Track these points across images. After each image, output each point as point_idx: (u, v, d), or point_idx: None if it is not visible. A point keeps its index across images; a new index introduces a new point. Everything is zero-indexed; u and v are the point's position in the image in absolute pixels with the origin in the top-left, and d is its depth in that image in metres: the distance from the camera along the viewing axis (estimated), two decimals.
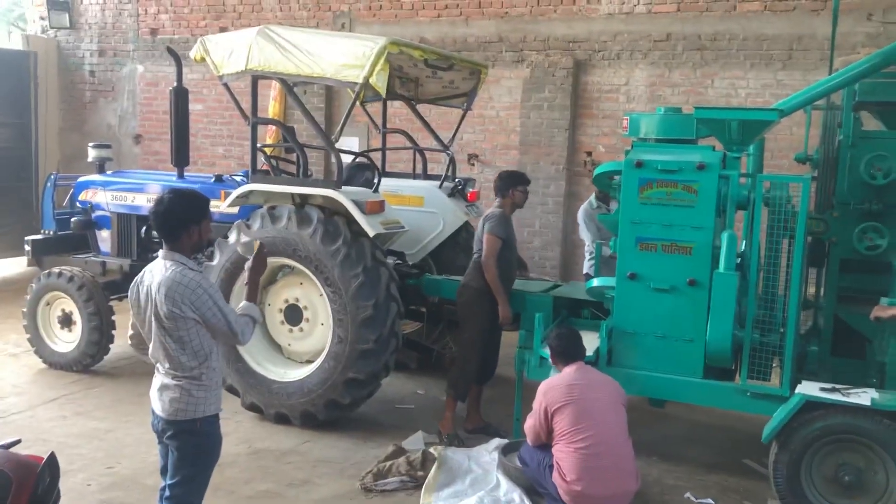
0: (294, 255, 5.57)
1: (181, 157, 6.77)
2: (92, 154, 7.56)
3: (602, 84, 9.33)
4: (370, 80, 5.29)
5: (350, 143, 10.06)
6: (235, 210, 6.28)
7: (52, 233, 7.57)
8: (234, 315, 3.41)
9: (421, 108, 7.45)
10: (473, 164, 9.91)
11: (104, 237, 7.31)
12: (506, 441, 5.16)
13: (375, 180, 6.14)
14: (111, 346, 6.91)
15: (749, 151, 5.44)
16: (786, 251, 4.81)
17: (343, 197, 5.52)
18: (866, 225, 4.93)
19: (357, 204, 5.51)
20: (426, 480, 4.78)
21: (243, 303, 3.60)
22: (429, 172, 7.43)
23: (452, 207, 6.81)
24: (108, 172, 7.58)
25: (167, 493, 3.44)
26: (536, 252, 9.72)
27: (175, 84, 6.68)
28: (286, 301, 5.86)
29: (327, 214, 5.56)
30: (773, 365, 4.82)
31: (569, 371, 4.46)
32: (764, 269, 4.91)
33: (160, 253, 3.45)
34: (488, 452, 5.13)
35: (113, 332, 6.85)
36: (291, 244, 5.55)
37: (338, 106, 10.53)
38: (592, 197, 7.43)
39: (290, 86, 6.02)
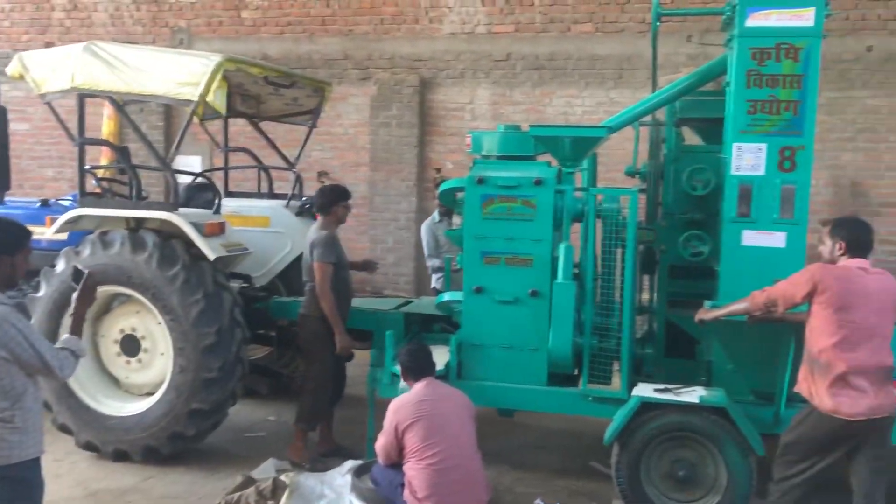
0: (129, 283, 5.28)
1: (1, 180, 6.28)
2: None
3: (447, 102, 9.52)
4: (207, 98, 5.14)
5: (193, 162, 9.70)
6: (65, 236, 5.89)
7: None
8: (51, 350, 3.17)
9: (267, 125, 7.30)
10: (323, 182, 9.79)
11: None
12: (359, 463, 5.10)
13: (216, 201, 5.93)
14: None
15: (583, 166, 5.70)
16: (620, 260, 5.05)
17: (180, 219, 5.30)
18: (690, 233, 5.25)
19: (195, 226, 5.30)
20: None
21: (65, 336, 3.37)
22: (276, 191, 7.28)
23: (300, 227, 6.67)
24: None
25: None
26: (390, 269, 9.73)
27: None
28: (122, 331, 5.55)
29: (164, 238, 5.32)
30: (615, 369, 5.04)
31: (419, 387, 4.46)
32: (600, 278, 5.13)
33: None
34: (341, 475, 5.03)
35: None
36: (125, 271, 5.26)
37: (177, 124, 10.11)
38: (436, 212, 7.52)
39: (120, 104, 5.72)
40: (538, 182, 4.92)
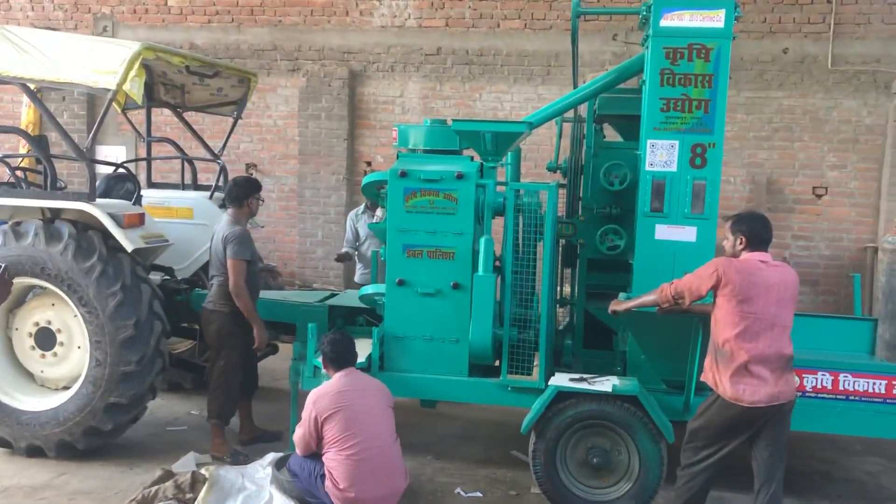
0: (43, 275, 5.15)
1: None
2: None
3: (378, 95, 9.52)
4: (124, 87, 5.04)
5: (117, 152, 9.50)
6: None
7: None
8: None
9: (191, 116, 7.19)
10: (252, 174, 9.70)
11: None
12: (280, 455, 5.09)
13: (136, 192, 5.83)
14: None
15: (507, 161, 5.80)
16: (540, 253, 5.16)
17: (97, 210, 5.19)
18: (607, 227, 5.40)
19: (113, 217, 5.20)
20: (196, 502, 4.60)
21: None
22: (201, 183, 7.18)
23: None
24: None
25: None
26: (320, 262, 9.70)
27: None
28: (36, 324, 5.41)
29: (80, 229, 5.20)
30: (536, 361, 5.14)
31: (338, 377, 4.47)
32: (520, 271, 5.22)
33: None
34: (262, 468, 5.02)
35: None
36: (39, 262, 5.13)
37: (100, 114, 9.85)
38: (364, 204, 7.54)
39: (34, 91, 5.56)
40: (460, 176, 4.98)
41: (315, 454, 4.40)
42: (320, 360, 4.69)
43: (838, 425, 4.95)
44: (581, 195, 5.74)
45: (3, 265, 3.49)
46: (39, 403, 5.37)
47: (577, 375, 4.84)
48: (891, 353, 5.04)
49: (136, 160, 7.47)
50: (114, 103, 5.54)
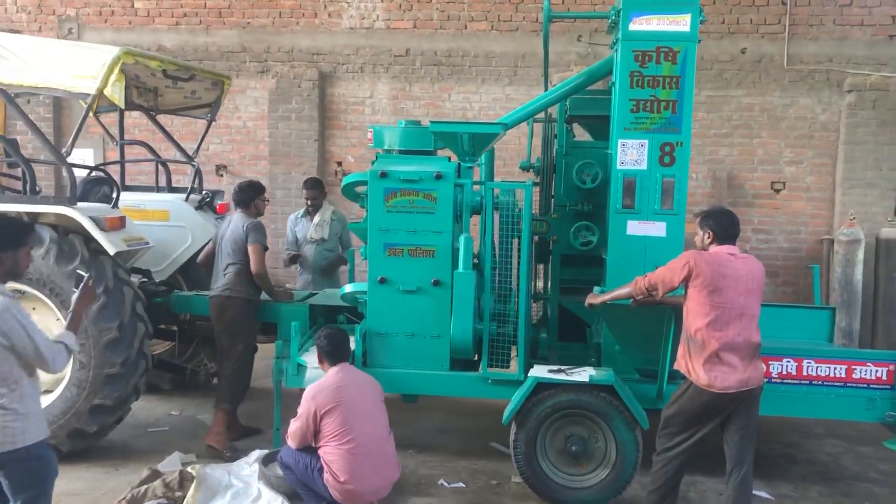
0: (24, 279, 5.14)
1: None
2: None
3: (348, 96, 9.60)
4: (105, 92, 5.09)
5: (84, 155, 9.41)
6: None
7: None
8: (47, 342, 3.37)
9: (164, 118, 7.21)
10: (222, 176, 9.73)
11: None
12: (266, 452, 5.18)
13: (114, 195, 5.86)
14: None
15: (481, 161, 5.95)
16: (516, 250, 5.32)
17: (79, 213, 5.23)
18: (580, 224, 5.59)
19: (95, 220, 5.24)
20: (185, 501, 4.67)
21: (60, 330, 3.57)
22: (175, 185, 7.21)
23: (201, 221, 6.67)
24: None
25: None
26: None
27: None
28: None
29: (61, 233, 5.23)
30: (513, 354, 5.31)
31: (335, 372, 4.57)
32: (498, 267, 5.39)
33: None
34: (248, 465, 5.11)
35: None
36: None
37: (67, 116, 9.82)
38: (303, 209, 7.53)
39: (11, 96, 5.56)
40: (439, 176, 5.12)
41: (308, 448, 4.50)
42: (315, 354, 4.78)
43: (802, 409, 5.20)
44: (554, 193, 5.92)
45: (86, 275, 3.80)
46: None
47: (555, 367, 5.02)
48: (847, 340, 5.31)
49: (111, 163, 7.46)
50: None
